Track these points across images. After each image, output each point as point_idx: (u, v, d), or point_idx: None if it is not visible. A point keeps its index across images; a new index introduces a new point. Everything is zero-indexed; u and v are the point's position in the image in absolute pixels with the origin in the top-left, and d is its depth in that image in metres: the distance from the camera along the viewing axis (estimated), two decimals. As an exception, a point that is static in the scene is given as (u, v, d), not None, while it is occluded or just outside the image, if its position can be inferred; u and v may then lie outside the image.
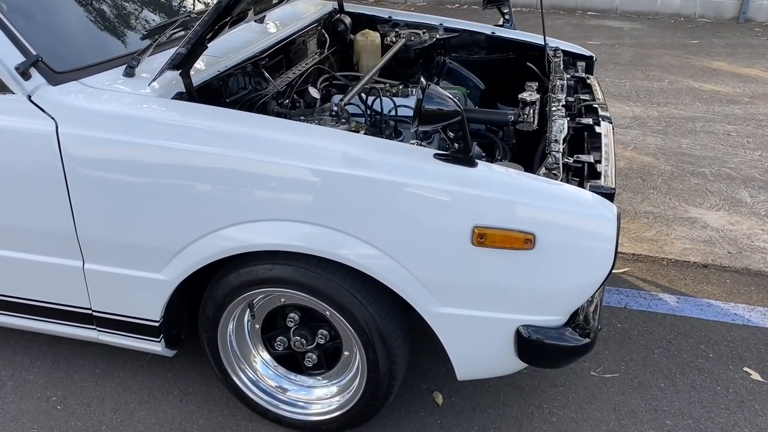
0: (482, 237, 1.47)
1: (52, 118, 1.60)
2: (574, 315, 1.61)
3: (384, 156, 1.51)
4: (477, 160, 1.52)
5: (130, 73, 1.72)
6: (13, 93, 1.62)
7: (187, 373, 2.12)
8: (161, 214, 1.61)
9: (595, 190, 1.60)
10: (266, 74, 2.14)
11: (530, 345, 1.57)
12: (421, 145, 1.90)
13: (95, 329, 1.89)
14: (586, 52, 2.72)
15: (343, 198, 1.50)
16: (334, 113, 1.87)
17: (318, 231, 1.55)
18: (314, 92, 2.19)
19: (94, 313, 1.84)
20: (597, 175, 1.72)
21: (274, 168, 1.52)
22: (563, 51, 2.66)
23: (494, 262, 1.50)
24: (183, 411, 1.97)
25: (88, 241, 1.70)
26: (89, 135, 1.58)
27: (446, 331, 1.62)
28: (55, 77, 1.65)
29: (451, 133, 1.47)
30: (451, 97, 1.44)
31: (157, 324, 1.80)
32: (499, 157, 2.08)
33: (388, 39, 2.75)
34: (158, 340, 1.84)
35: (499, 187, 1.47)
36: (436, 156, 1.52)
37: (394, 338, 1.67)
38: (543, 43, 2.60)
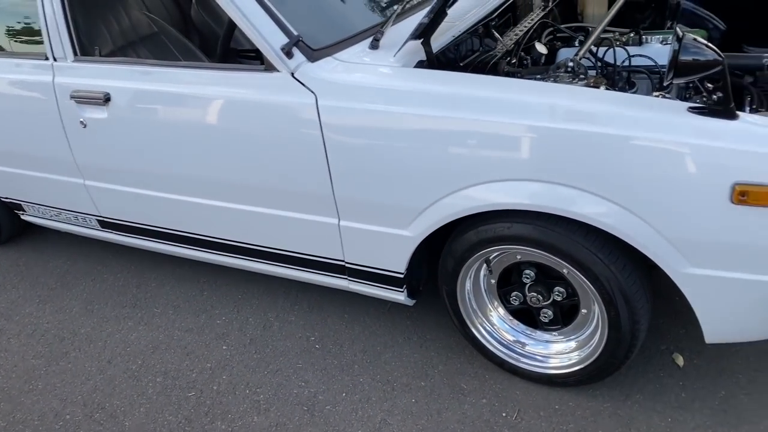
0: (744, 195, 1.38)
1: (312, 92, 1.78)
2: None
3: (634, 111, 1.47)
4: (738, 112, 1.41)
5: (375, 45, 1.85)
6: (279, 71, 1.83)
7: (425, 321, 2.28)
8: (410, 176, 1.73)
9: None
10: (496, 34, 2.16)
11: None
12: (665, 97, 1.80)
13: (347, 279, 2.11)
14: None
15: (586, 155, 1.50)
16: (569, 69, 1.84)
17: (547, 189, 1.57)
18: (541, 48, 2.16)
19: (347, 265, 2.06)
20: None
21: (513, 128, 1.55)
22: None
23: (756, 222, 1.40)
24: (424, 356, 2.13)
25: (344, 201, 1.89)
26: (345, 106, 1.74)
27: (697, 293, 1.56)
28: (312, 54, 1.83)
29: (709, 85, 1.39)
30: (711, 45, 1.35)
31: (401, 276, 1.96)
32: (754, 106, 1.90)
33: (616, -16, 2.60)
34: (402, 290, 2.01)
35: (765, 141, 1.36)
36: (691, 109, 1.44)
37: (638, 297, 1.65)
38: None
